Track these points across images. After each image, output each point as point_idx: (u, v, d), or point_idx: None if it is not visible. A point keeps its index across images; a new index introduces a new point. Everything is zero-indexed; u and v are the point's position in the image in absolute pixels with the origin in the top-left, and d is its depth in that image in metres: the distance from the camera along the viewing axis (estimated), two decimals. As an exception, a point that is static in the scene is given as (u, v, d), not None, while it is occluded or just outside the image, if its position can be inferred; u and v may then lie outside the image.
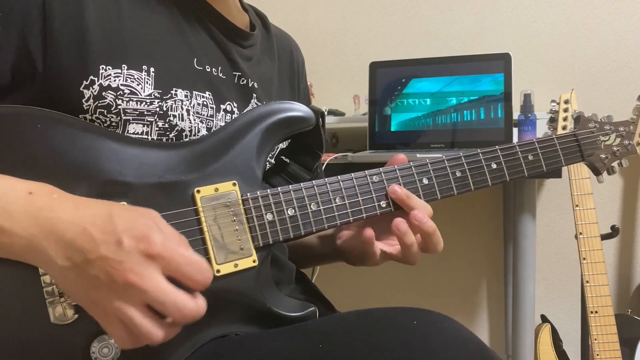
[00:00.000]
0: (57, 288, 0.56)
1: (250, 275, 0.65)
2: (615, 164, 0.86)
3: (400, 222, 0.69)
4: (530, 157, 0.78)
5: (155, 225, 0.52)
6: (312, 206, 0.68)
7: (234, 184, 0.65)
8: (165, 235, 0.52)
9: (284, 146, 0.81)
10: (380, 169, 0.73)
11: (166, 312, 0.51)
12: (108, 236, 0.50)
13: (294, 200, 0.68)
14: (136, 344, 0.53)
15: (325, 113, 0.75)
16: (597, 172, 0.86)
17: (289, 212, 0.67)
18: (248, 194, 0.66)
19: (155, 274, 0.51)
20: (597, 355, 1.30)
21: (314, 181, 0.69)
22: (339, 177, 0.70)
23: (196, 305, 0.53)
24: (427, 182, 0.73)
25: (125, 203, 0.60)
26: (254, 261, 0.65)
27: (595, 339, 1.30)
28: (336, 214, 0.69)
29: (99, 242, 0.50)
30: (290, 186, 0.68)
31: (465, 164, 0.75)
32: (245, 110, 0.78)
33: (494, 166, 0.76)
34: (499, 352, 1.73)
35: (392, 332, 0.59)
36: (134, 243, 0.50)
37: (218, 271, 0.62)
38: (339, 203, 0.70)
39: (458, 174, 0.75)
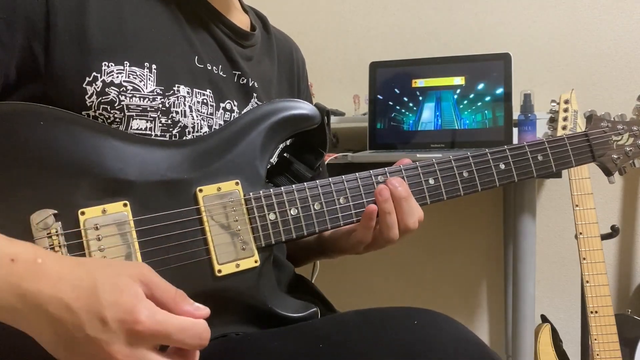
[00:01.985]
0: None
1: (251, 276, 0.65)
2: (627, 164, 0.83)
3: (383, 188, 0.69)
4: (540, 158, 0.77)
5: (142, 294, 0.50)
6: (315, 206, 0.68)
7: (237, 183, 0.65)
8: (152, 306, 0.50)
9: (287, 143, 0.81)
10: (386, 168, 0.72)
11: None
12: (92, 313, 0.48)
13: (297, 200, 0.67)
14: None
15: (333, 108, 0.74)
16: (608, 172, 0.83)
17: (291, 212, 0.67)
18: (251, 194, 0.65)
19: (145, 352, 0.49)
20: (597, 355, 1.30)
21: (317, 181, 0.69)
22: (343, 176, 0.70)
23: None
24: (433, 183, 0.73)
25: (127, 202, 0.59)
26: (255, 261, 0.65)
27: (595, 339, 1.30)
28: (340, 215, 0.69)
29: (83, 319, 0.48)
30: (293, 186, 0.68)
31: (472, 164, 0.74)
32: (245, 109, 0.77)
33: (502, 167, 0.75)
34: (499, 352, 1.73)
35: (392, 332, 0.59)
36: (119, 321, 0.48)
37: (219, 271, 0.62)
38: (342, 204, 0.69)
39: (465, 175, 0.74)
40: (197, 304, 0.53)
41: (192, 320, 0.51)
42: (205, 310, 0.53)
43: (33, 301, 0.48)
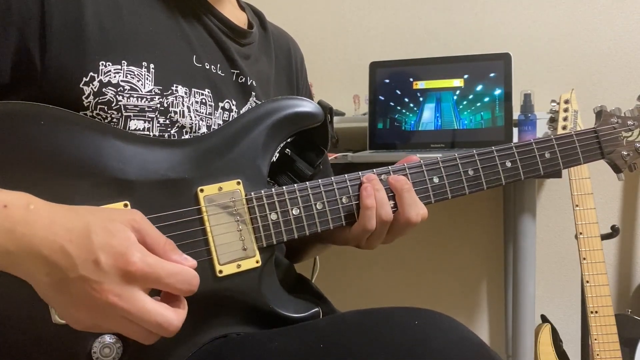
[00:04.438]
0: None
1: (253, 276, 0.65)
2: (637, 160, 0.82)
3: (371, 176, 0.69)
4: (547, 155, 0.76)
5: (133, 238, 0.51)
6: (317, 206, 0.67)
7: (238, 183, 0.65)
8: (144, 250, 0.51)
9: (288, 140, 0.80)
10: (390, 167, 0.71)
11: (151, 330, 0.51)
12: (85, 254, 0.49)
13: (299, 199, 0.67)
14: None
15: (333, 108, 0.73)
16: (617, 169, 0.82)
17: (293, 211, 0.66)
18: (252, 194, 0.65)
19: (136, 293, 0.49)
20: (597, 355, 1.30)
21: (320, 180, 0.68)
22: (345, 175, 0.69)
23: (178, 320, 0.52)
24: (437, 182, 0.72)
25: (128, 202, 0.59)
26: (257, 262, 0.64)
27: (595, 339, 1.30)
28: (342, 214, 0.68)
29: (76, 260, 0.49)
30: (295, 185, 0.67)
31: (478, 162, 0.73)
32: (244, 108, 0.77)
33: (509, 164, 0.74)
34: (499, 352, 1.73)
35: (393, 332, 0.59)
36: (111, 262, 0.49)
37: (220, 272, 0.62)
38: (345, 203, 0.68)
39: (471, 173, 0.73)
40: (185, 255, 0.54)
41: (181, 266, 0.52)
42: (193, 262, 0.54)
43: (27, 244, 0.49)
